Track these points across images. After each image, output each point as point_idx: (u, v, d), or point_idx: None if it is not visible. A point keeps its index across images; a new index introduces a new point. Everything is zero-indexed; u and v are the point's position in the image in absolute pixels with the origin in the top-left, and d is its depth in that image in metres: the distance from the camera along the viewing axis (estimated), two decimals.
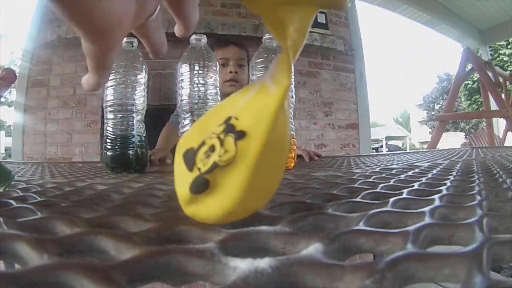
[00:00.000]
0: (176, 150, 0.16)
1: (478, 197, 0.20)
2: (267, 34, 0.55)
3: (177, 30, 0.23)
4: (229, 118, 0.14)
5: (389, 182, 0.29)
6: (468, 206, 0.18)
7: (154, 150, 0.80)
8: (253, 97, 0.15)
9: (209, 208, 0.14)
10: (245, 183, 0.13)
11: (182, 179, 0.15)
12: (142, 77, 0.52)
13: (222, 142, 0.14)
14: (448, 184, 0.27)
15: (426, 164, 0.49)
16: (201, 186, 0.14)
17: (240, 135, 0.13)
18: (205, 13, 2.13)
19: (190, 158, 0.15)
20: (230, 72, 1.06)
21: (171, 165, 0.82)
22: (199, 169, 0.14)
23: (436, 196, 0.21)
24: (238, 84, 1.08)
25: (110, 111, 0.51)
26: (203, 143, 0.14)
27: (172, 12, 0.21)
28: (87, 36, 0.16)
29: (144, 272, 0.11)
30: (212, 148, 0.14)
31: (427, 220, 0.15)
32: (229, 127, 0.14)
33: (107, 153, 0.50)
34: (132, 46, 0.52)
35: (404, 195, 0.22)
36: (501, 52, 9.34)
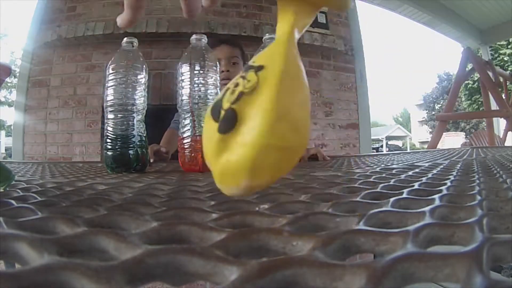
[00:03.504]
0: (205, 119, 0.16)
1: (478, 197, 0.20)
2: (267, 34, 0.55)
3: (204, 1, 0.24)
4: (245, 64, 0.15)
5: (389, 182, 0.29)
6: (468, 206, 0.18)
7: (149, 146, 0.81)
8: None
9: (240, 145, 0.13)
10: (271, 106, 0.13)
11: (210, 135, 0.14)
12: (143, 77, 0.52)
13: (244, 77, 0.14)
14: (448, 184, 0.27)
15: (427, 164, 0.49)
16: (230, 120, 0.13)
17: (259, 67, 0.14)
18: (205, 13, 2.13)
19: (216, 107, 0.14)
20: (222, 71, 1.06)
21: (167, 157, 0.83)
22: (225, 108, 0.14)
23: (436, 196, 0.21)
24: None
25: (110, 111, 0.51)
26: (226, 89, 0.14)
27: None
28: None
29: (144, 272, 0.11)
30: (236, 85, 0.14)
31: (427, 220, 0.16)
32: (247, 67, 0.15)
33: (108, 153, 0.50)
34: (133, 46, 0.52)
35: (404, 195, 0.22)
36: (501, 52, 9.33)
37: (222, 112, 0.14)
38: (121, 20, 0.23)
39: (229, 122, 0.13)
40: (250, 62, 0.15)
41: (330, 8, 0.17)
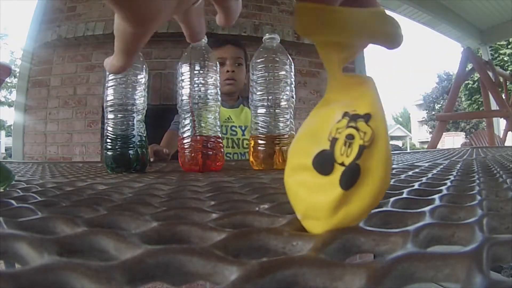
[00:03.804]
0: (286, 172, 0.16)
1: (478, 197, 0.20)
2: (267, 34, 0.55)
3: (218, 19, 0.23)
4: (346, 113, 0.15)
5: None
6: (468, 206, 0.18)
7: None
8: (345, 90, 0.16)
9: (361, 197, 0.14)
10: (386, 158, 0.14)
11: (314, 192, 0.14)
12: (143, 77, 0.52)
13: (357, 128, 0.14)
14: (448, 184, 0.27)
15: (426, 164, 0.49)
16: (355, 175, 0.14)
17: (368, 117, 0.14)
18: (205, 13, 2.13)
19: (324, 159, 0.14)
20: (227, 71, 1.07)
21: (167, 158, 0.83)
22: (342, 163, 0.14)
23: (436, 196, 0.21)
24: (235, 83, 1.09)
25: (110, 111, 0.51)
26: (334, 140, 0.14)
27: (214, 1, 0.22)
28: (128, 22, 0.17)
29: (144, 272, 0.11)
30: (350, 137, 0.14)
31: (427, 220, 0.16)
32: (354, 116, 0.15)
33: (108, 153, 0.50)
34: None
35: (404, 195, 0.22)
36: (501, 52, 9.32)
37: (339, 167, 0.14)
38: (110, 66, 0.20)
39: (354, 178, 0.14)
40: (350, 110, 0.15)
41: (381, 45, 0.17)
